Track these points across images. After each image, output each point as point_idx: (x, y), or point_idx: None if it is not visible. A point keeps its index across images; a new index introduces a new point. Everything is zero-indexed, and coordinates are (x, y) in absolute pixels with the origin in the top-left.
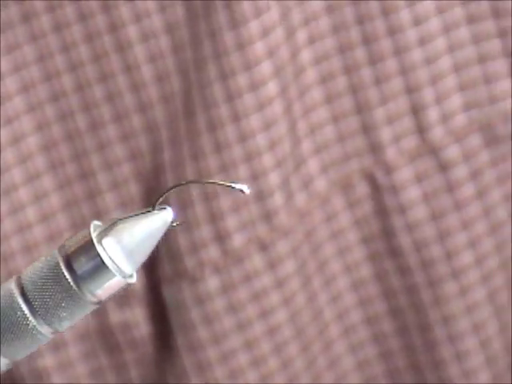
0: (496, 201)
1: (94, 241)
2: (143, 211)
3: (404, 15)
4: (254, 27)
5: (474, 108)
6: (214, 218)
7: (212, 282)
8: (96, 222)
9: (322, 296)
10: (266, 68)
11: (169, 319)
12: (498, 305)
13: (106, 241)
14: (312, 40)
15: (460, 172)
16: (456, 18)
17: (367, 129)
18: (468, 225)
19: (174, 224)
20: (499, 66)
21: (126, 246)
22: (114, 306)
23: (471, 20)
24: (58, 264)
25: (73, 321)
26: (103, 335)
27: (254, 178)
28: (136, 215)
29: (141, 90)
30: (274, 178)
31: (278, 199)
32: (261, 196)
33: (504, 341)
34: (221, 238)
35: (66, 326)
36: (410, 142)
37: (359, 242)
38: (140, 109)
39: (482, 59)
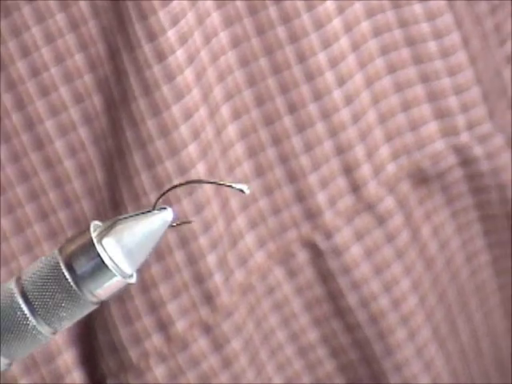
0: (426, 237)
1: (94, 241)
2: (143, 211)
3: (328, 77)
4: (176, 111)
5: (403, 155)
6: (155, 306)
7: (158, 371)
8: (96, 222)
9: (269, 365)
10: (192, 150)
11: None
12: (441, 339)
13: (106, 241)
14: (237, 114)
15: (397, 221)
16: (378, 68)
17: (302, 196)
18: (410, 270)
19: (174, 224)
20: (424, 110)
21: (125, 246)
22: None
23: (392, 69)
24: (58, 264)
25: (73, 321)
26: None
27: (191, 261)
28: (136, 215)
29: (65, 184)
30: (211, 259)
31: (217, 279)
32: (200, 279)
33: (449, 370)
34: (163, 325)
35: (65, 325)
36: (346, 202)
37: (304, 309)
38: (65, 204)
39: (406, 106)
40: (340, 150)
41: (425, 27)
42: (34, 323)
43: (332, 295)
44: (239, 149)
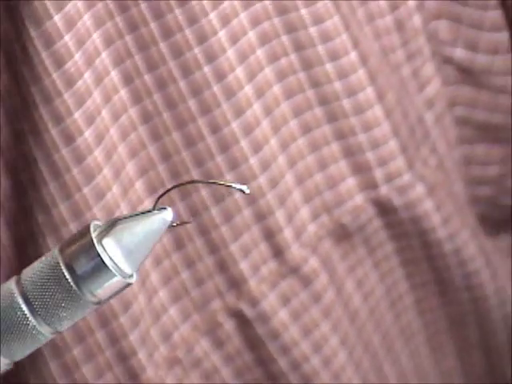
0: (350, 291)
1: (94, 241)
2: (143, 211)
3: (244, 145)
4: (87, 192)
5: (323, 214)
6: None
7: None
8: (96, 222)
9: None
10: None
11: None
12: None
13: (106, 241)
14: (153, 189)
15: (322, 280)
16: (292, 130)
17: (224, 266)
18: (337, 326)
19: (174, 224)
20: (341, 167)
21: (125, 246)
22: None
23: (307, 129)
24: (58, 264)
25: (73, 321)
26: None
27: (113, 341)
28: (136, 215)
29: None
30: (133, 337)
31: (141, 356)
32: (123, 357)
33: None
34: None
35: (66, 325)
36: (270, 268)
37: (234, 376)
38: None
39: (323, 165)
40: (260, 217)
41: (338, 85)
42: (34, 323)
43: (262, 361)
44: None
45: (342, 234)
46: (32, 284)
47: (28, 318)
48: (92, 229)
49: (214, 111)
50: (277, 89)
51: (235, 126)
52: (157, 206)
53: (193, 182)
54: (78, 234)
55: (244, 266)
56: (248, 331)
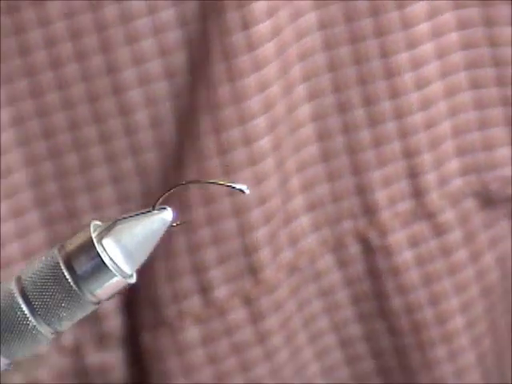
0: (489, 264)
1: (94, 241)
2: (143, 211)
3: (407, 79)
4: (252, 80)
5: (471, 173)
6: (199, 269)
7: (192, 333)
8: (96, 222)
9: (307, 351)
10: (261, 122)
11: (146, 366)
12: (485, 368)
13: (106, 241)
14: (313, 95)
15: (455, 236)
16: (459, 82)
17: (362, 190)
18: (461, 289)
19: (174, 224)
20: (500, 133)
21: (125, 246)
22: (93, 348)
23: (475, 85)
24: (58, 264)
25: (73, 321)
26: (78, 377)
27: (241, 232)
28: (136, 215)
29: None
30: (262, 233)
31: (265, 254)
32: (248, 250)
33: None
34: (204, 289)
35: (66, 325)
36: (406, 206)
37: (349, 302)
38: None
39: (483, 125)
40: (407, 154)
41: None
42: (34, 323)
43: (378, 294)
44: (307, 132)
45: (488, 200)
46: (32, 284)
47: (28, 318)
48: (92, 229)
49: (388, 36)
50: (454, 36)
51: (405, 55)
52: (157, 206)
53: (192, 182)
54: (78, 234)
55: (381, 195)
56: (370, 261)
